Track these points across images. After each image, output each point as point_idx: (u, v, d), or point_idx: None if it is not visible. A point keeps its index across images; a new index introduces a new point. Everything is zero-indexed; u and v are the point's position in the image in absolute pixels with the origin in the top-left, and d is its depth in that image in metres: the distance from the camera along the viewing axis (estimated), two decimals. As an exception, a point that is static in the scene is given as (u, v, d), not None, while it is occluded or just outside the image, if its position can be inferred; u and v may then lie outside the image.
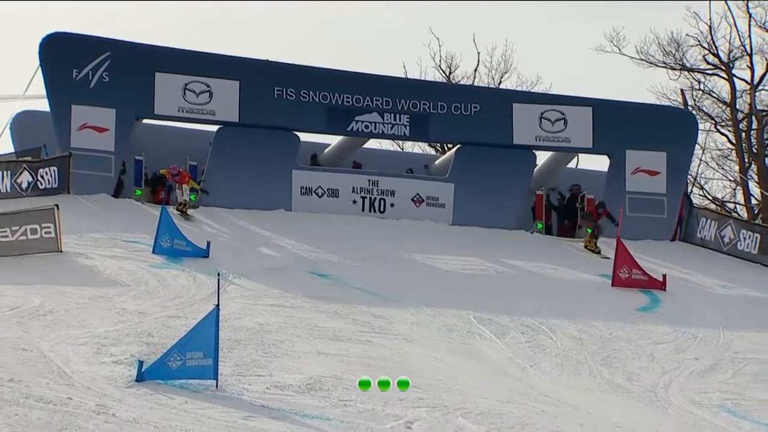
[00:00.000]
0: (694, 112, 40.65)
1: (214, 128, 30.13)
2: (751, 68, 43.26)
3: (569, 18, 61.83)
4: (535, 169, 32.21)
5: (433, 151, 41.85)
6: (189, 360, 14.54)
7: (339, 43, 60.41)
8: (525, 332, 20.44)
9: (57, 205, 23.31)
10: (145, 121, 30.06)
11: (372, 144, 33.83)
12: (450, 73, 45.93)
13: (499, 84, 45.37)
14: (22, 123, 30.56)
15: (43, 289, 19.75)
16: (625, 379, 18.22)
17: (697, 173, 43.72)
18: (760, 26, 43.27)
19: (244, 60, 30.47)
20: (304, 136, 30.83)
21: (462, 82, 44.68)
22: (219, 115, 29.82)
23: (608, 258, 26.77)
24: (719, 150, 44.41)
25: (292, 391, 14.90)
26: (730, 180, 44.58)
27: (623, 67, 57.24)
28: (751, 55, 43.17)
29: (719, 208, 41.64)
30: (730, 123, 43.77)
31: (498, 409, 15.16)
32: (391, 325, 19.82)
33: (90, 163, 28.48)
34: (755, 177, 43.42)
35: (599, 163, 32.94)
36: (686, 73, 44.03)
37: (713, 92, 44.02)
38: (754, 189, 43.51)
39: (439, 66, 45.96)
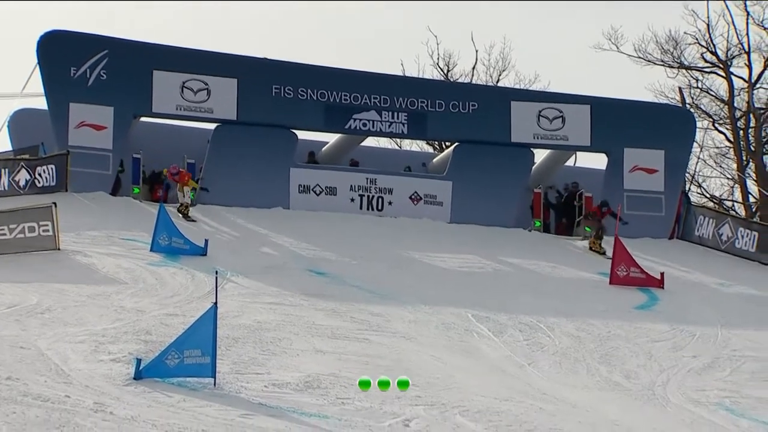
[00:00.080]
0: (692, 110, 40.69)
1: (212, 126, 30.14)
2: (749, 66, 43.32)
3: (567, 16, 61.84)
4: (533, 167, 32.24)
5: (431, 149, 41.86)
6: (187, 358, 14.53)
7: (337, 42, 60.44)
8: (523, 330, 20.44)
9: (55, 203, 23.30)
10: (143, 119, 30.07)
11: (370, 142, 33.85)
12: (448, 71, 46.00)
13: (497, 82, 45.42)
14: (20, 121, 30.56)
15: (41, 287, 19.74)
16: (623, 377, 18.21)
17: (695, 171, 43.81)
18: (758, 24, 43.37)
19: (241, 58, 30.47)
20: (302, 134, 30.85)
21: (460, 80, 44.70)
22: (217, 113, 29.83)
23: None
24: (717, 148, 44.51)
25: (290, 389, 14.90)
26: (728, 178, 44.67)
27: (621, 65, 57.33)
28: (748, 53, 43.24)
29: (717, 206, 41.70)
30: (728, 121, 43.80)
31: (496, 407, 15.16)
32: (388, 323, 19.82)
33: (88, 161, 28.48)
34: (753, 175, 43.47)
35: (597, 161, 33.00)
36: (684, 71, 44.09)
37: (711, 90, 44.11)
38: (752, 187, 43.60)
39: (437, 64, 46.05)
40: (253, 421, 13.28)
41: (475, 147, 31.02)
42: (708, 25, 43.30)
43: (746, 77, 43.37)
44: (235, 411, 13.58)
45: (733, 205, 44.10)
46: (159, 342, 16.22)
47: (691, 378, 18.46)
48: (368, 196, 30.48)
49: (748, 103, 43.41)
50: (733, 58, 43.41)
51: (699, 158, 43.75)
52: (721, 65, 43.53)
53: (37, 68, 28.84)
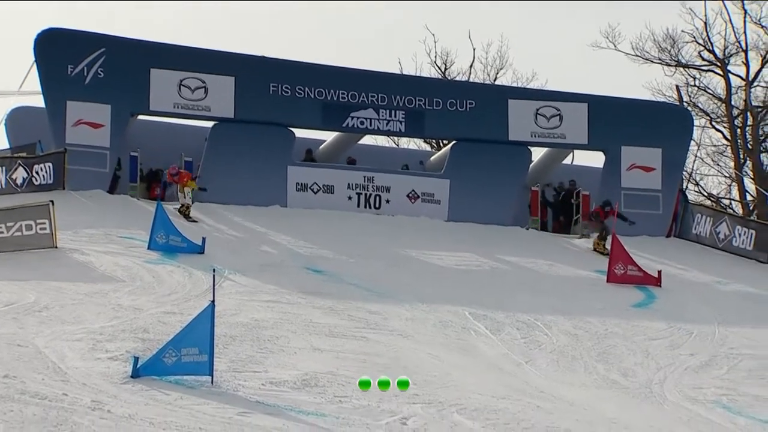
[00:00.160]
0: (689, 108, 40.65)
1: (209, 124, 30.12)
2: (746, 64, 43.31)
3: (565, 14, 61.80)
4: (531, 166, 32.23)
5: (428, 148, 41.84)
6: (184, 356, 14.53)
7: (334, 40, 60.43)
8: (520, 328, 20.45)
9: (52, 201, 23.30)
10: (141, 117, 30.05)
11: (367, 140, 33.83)
12: (445, 69, 45.95)
13: (495, 80, 45.38)
14: (17, 119, 30.51)
15: (38, 285, 19.74)
16: (621, 375, 18.23)
17: (692, 169, 43.79)
18: (755, 22, 43.33)
19: (239, 56, 30.44)
20: (300, 132, 30.83)
21: (457, 79, 44.67)
22: (214, 111, 29.81)
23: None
24: (714, 146, 44.48)
25: (288, 387, 14.90)
26: (725, 176, 44.64)
27: (619, 63, 57.44)
28: (746, 51, 43.20)
29: (714, 205, 41.71)
30: (725, 119, 43.80)
31: (493, 405, 15.17)
32: (386, 321, 19.82)
33: (85, 159, 28.45)
34: (750, 173, 43.46)
35: (595, 159, 32.99)
36: (681, 69, 44.05)
37: (708, 88, 44.08)
38: (749, 185, 43.59)
39: (435, 62, 46.01)
40: (250, 419, 13.29)
41: (473, 145, 31.01)
42: (705, 23, 43.32)
43: (743, 75, 43.38)
44: (233, 409, 13.58)
45: (731, 203, 44.10)
46: (156, 340, 16.22)
47: (688, 376, 18.48)
48: (366, 195, 30.47)
49: (745, 101, 43.41)
50: (731, 56, 43.41)
51: (696, 156, 43.80)
52: (718, 63, 43.52)
53: (35, 66, 28.81)
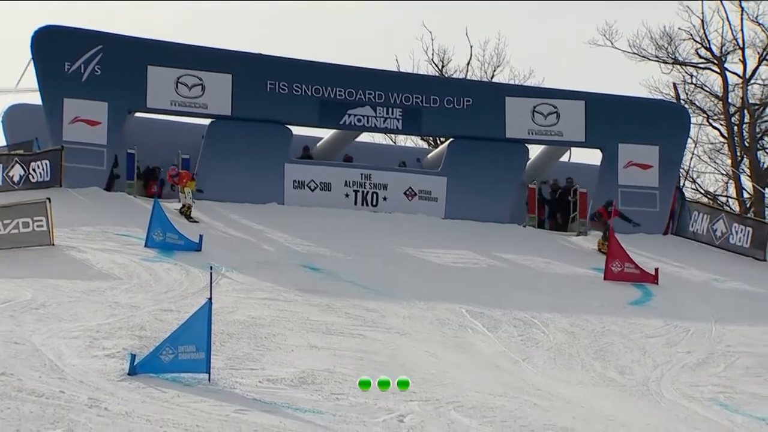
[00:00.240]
0: (686, 105, 40.70)
1: (206, 122, 30.12)
2: (743, 62, 43.36)
3: (562, 12, 61.85)
4: (528, 163, 32.24)
5: (425, 145, 41.87)
6: (181, 353, 14.53)
7: (332, 38, 60.44)
8: (517, 326, 20.45)
9: (49, 199, 23.28)
10: (138, 114, 30.04)
11: (364, 138, 33.83)
12: (443, 66, 45.97)
13: (492, 78, 45.39)
14: (14, 116, 30.53)
15: (35, 283, 19.74)
16: (618, 373, 18.23)
17: (689, 167, 43.83)
18: (752, 20, 43.36)
19: (236, 53, 30.44)
20: (297, 130, 30.83)
21: (455, 76, 44.67)
22: (211, 108, 29.82)
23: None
24: (711, 144, 44.54)
25: (285, 385, 14.89)
26: (722, 174, 44.68)
27: (616, 60, 57.46)
28: (743, 49, 43.24)
29: (711, 202, 41.71)
30: (722, 117, 43.82)
31: (490, 403, 15.17)
32: (383, 319, 19.82)
33: (82, 157, 28.45)
34: (747, 171, 43.49)
35: (592, 156, 33.00)
36: (678, 66, 44.09)
37: (705, 86, 44.13)
38: (746, 183, 43.60)
39: (432, 60, 46.03)
40: (247, 416, 13.28)
41: (470, 143, 31.01)
42: (702, 21, 43.35)
43: (740, 73, 43.42)
44: (230, 406, 13.57)
45: (728, 201, 44.14)
46: (153, 338, 16.22)
47: (685, 373, 18.48)
48: (363, 192, 30.47)
49: (742, 99, 43.43)
50: (728, 54, 43.44)
51: (693, 154, 43.81)
52: (715, 61, 43.55)
53: (32, 63, 28.80)
